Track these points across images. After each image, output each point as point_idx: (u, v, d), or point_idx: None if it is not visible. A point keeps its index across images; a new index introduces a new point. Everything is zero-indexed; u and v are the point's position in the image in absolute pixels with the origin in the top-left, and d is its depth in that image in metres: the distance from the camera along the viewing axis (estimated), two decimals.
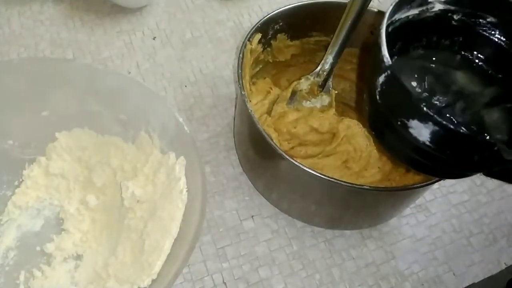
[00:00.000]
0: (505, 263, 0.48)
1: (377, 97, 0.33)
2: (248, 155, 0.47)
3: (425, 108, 0.29)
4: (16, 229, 0.42)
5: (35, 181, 0.44)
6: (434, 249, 0.48)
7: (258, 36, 0.46)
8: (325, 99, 0.51)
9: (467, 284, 0.47)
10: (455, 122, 0.35)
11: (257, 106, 0.51)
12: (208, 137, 0.52)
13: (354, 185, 0.37)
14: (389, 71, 0.31)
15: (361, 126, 0.51)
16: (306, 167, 0.37)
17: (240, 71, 0.41)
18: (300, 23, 0.49)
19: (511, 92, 0.37)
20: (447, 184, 0.53)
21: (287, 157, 0.37)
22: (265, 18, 0.45)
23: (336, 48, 0.47)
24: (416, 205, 0.50)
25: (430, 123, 0.29)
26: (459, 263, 0.47)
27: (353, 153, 0.49)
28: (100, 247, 0.42)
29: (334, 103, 0.51)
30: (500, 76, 0.38)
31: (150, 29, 0.60)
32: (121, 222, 0.41)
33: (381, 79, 0.32)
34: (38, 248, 0.42)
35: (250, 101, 0.51)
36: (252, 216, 0.47)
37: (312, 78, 0.49)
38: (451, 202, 0.51)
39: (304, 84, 0.50)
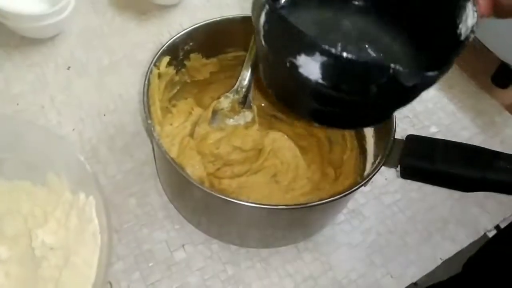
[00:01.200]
0: (440, 258, 0.49)
1: (263, 42, 0.30)
2: (169, 184, 0.45)
3: (308, 37, 0.26)
4: None
5: None
6: (370, 253, 0.48)
7: (166, 59, 0.44)
8: (248, 115, 0.50)
9: (406, 285, 0.47)
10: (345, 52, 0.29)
11: (178, 128, 0.50)
12: (132, 167, 0.50)
13: (273, 207, 0.36)
14: (267, 6, 0.28)
15: (286, 137, 0.51)
16: (220, 194, 0.35)
17: (146, 98, 0.39)
18: (213, 41, 0.48)
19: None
20: (379, 185, 0.53)
21: (198, 185, 0.35)
22: (171, 40, 0.44)
23: (250, 63, 0.46)
24: (349, 211, 0.50)
25: (317, 53, 0.26)
26: (396, 264, 0.47)
27: (280, 166, 0.49)
28: None
29: (257, 118, 0.50)
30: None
31: (64, 59, 0.57)
32: (35, 273, 0.39)
33: (262, 19, 0.29)
34: None
35: (171, 124, 0.50)
36: (183, 245, 0.46)
37: (231, 96, 0.49)
38: (384, 203, 0.51)
39: (224, 103, 0.49)
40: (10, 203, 0.42)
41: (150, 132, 0.38)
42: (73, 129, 0.51)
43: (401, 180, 0.53)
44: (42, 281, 0.38)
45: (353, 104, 0.30)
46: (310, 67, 0.27)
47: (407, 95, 0.30)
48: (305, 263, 0.46)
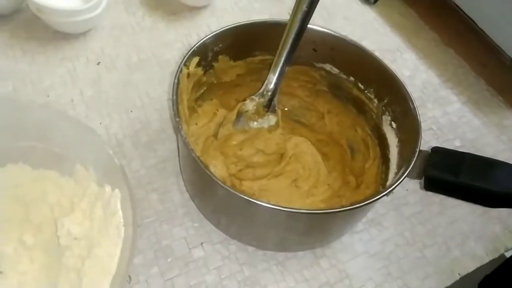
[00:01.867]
0: (459, 273, 0.48)
1: None
2: (192, 182, 0.46)
3: None
4: None
5: None
6: (388, 264, 0.48)
7: (196, 59, 0.45)
8: (272, 119, 0.50)
9: None
10: None
11: (203, 128, 0.50)
12: (156, 162, 0.51)
13: (293, 210, 0.36)
14: None
15: (309, 143, 0.51)
16: (245, 195, 0.36)
17: (175, 97, 0.40)
18: (241, 44, 0.48)
19: None
20: (399, 196, 0.52)
21: (223, 185, 0.36)
22: (202, 41, 0.44)
23: (278, 68, 0.47)
24: (368, 220, 0.50)
25: None
26: (413, 277, 0.47)
27: (301, 171, 0.49)
28: None
29: (280, 123, 0.50)
30: None
31: (95, 54, 0.59)
32: (59, 261, 0.40)
33: None
34: None
35: (196, 124, 0.50)
36: (202, 243, 0.46)
37: (257, 99, 0.49)
38: (403, 215, 0.51)
39: (249, 105, 0.49)
40: (37, 191, 0.43)
41: (177, 130, 0.39)
42: (100, 123, 0.53)
43: (422, 192, 0.53)
44: (65, 269, 0.39)
45: None
46: None
47: None
48: (322, 269, 0.46)
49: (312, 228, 0.43)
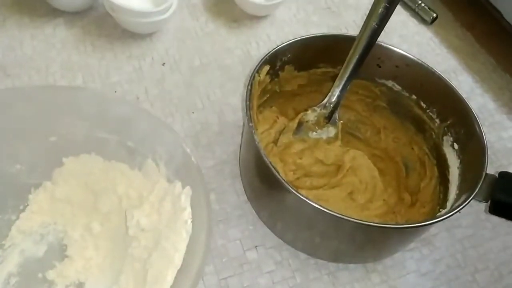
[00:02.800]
0: None
1: None
2: (253, 185, 0.47)
3: None
4: (19, 255, 0.42)
5: (40, 206, 0.44)
6: (438, 284, 0.47)
7: (267, 67, 0.46)
8: (331, 131, 0.51)
9: None
10: None
11: (263, 135, 0.52)
12: (214, 164, 0.52)
13: (361, 221, 0.37)
14: None
15: (366, 157, 0.51)
16: (313, 202, 0.37)
17: (248, 102, 0.42)
18: (308, 55, 0.50)
19: None
20: (451, 218, 0.52)
21: (293, 190, 0.37)
22: (274, 50, 0.46)
23: (343, 82, 0.48)
24: (420, 239, 0.50)
25: None
26: None
27: (358, 184, 0.49)
28: (103, 275, 0.42)
29: (340, 135, 0.51)
30: None
31: (160, 55, 0.61)
32: (125, 251, 0.41)
33: None
34: (40, 275, 0.41)
35: (256, 130, 0.51)
36: (256, 247, 0.47)
37: (319, 110, 0.50)
38: (455, 237, 0.51)
39: (310, 116, 0.50)
40: (107, 182, 0.45)
41: (249, 134, 0.40)
42: None
43: (474, 216, 0.53)
44: (130, 259, 0.41)
45: None
46: None
47: None
48: (373, 284, 0.46)
49: (368, 242, 0.43)
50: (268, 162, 0.38)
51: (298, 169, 0.49)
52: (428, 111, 0.49)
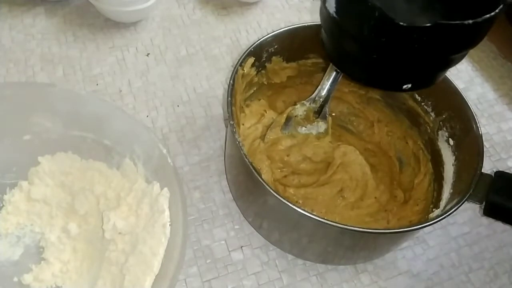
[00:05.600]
0: None
1: None
2: (237, 184, 0.45)
3: None
4: None
5: (16, 207, 0.43)
6: (431, 285, 0.46)
7: (251, 60, 0.44)
8: (321, 126, 0.49)
9: None
10: None
11: (250, 130, 0.49)
12: (199, 160, 0.50)
13: (345, 226, 0.35)
14: None
15: (358, 153, 0.49)
16: (295, 206, 0.35)
17: (229, 98, 0.39)
18: (297, 46, 0.47)
19: None
20: None
21: (276, 194, 0.35)
22: (258, 42, 0.43)
23: (333, 74, 0.45)
24: (413, 237, 0.48)
25: None
26: None
27: (348, 182, 0.47)
28: (80, 279, 0.40)
29: (330, 130, 0.49)
30: None
31: (144, 45, 0.59)
32: (102, 254, 0.40)
33: None
34: (15, 279, 0.40)
35: (243, 124, 0.49)
36: (242, 247, 0.45)
37: (308, 104, 0.48)
38: (450, 235, 0.49)
39: (299, 110, 0.48)
40: (84, 182, 0.43)
41: (231, 133, 0.38)
42: (147, 116, 0.52)
43: (471, 212, 0.51)
44: (107, 262, 0.39)
45: (362, 50, 0.32)
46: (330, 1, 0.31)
47: (408, 43, 0.29)
48: (363, 285, 0.45)
49: (358, 245, 0.41)
50: (249, 163, 0.36)
51: (286, 166, 0.47)
52: (423, 104, 0.47)
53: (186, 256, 0.44)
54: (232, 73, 0.41)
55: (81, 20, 0.60)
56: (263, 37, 0.44)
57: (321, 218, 0.34)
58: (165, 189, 0.38)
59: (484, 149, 0.56)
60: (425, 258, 0.47)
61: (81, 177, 0.43)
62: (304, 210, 0.35)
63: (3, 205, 0.43)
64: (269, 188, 0.35)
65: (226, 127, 0.52)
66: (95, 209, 0.42)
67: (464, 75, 0.63)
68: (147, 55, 0.58)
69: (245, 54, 0.42)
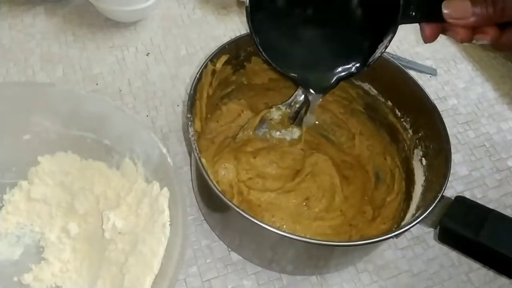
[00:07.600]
0: None
1: None
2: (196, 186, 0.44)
3: None
4: None
5: (16, 206, 0.43)
6: (431, 285, 0.46)
7: (225, 57, 0.43)
8: (295, 132, 0.48)
9: None
10: None
11: (223, 127, 0.49)
12: None
13: (286, 234, 0.33)
14: None
15: (331, 163, 0.48)
16: (256, 220, 0.33)
17: (192, 92, 0.38)
18: None
19: None
20: None
21: (232, 205, 0.34)
22: (234, 39, 0.43)
23: None
24: (413, 237, 0.48)
25: None
26: None
27: (315, 191, 0.46)
28: (80, 279, 0.40)
29: (303, 137, 0.48)
30: None
31: (144, 45, 0.59)
32: (102, 254, 0.40)
33: None
34: (15, 279, 0.40)
35: (217, 122, 0.49)
36: None
37: (283, 109, 0.47)
38: None
39: (274, 114, 0.48)
40: (84, 181, 0.43)
41: (186, 127, 0.37)
42: (147, 115, 0.52)
43: None
44: (107, 262, 0.39)
45: None
46: None
47: None
48: (363, 285, 0.45)
49: (307, 257, 0.40)
50: (198, 158, 0.35)
51: (252, 169, 0.46)
52: (402, 120, 0.45)
53: (186, 256, 0.44)
54: (201, 67, 0.40)
55: (81, 20, 0.60)
56: (240, 35, 0.43)
57: (282, 231, 0.33)
58: (165, 188, 0.38)
59: (484, 149, 0.57)
60: (426, 258, 0.47)
61: (80, 176, 0.43)
62: (251, 216, 0.33)
63: (3, 205, 0.43)
64: (218, 192, 0.34)
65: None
66: (95, 209, 0.42)
67: (465, 75, 0.63)
68: (147, 55, 0.58)
69: (217, 50, 0.42)
